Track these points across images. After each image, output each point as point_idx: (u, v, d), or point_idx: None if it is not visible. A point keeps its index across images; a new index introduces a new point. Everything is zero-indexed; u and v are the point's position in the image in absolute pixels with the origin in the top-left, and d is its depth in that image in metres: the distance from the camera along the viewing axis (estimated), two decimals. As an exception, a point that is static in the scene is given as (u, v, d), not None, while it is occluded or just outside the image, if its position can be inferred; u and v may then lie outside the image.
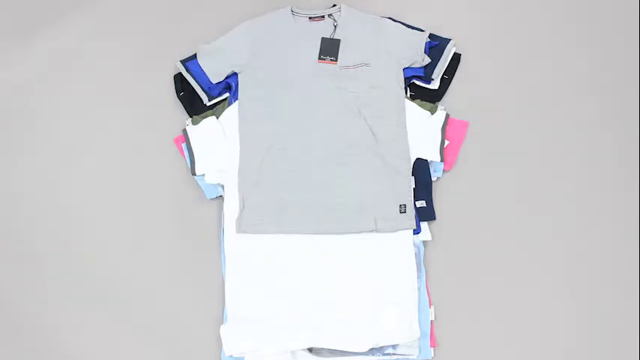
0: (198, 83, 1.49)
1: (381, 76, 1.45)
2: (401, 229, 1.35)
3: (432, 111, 1.45)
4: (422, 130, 1.43)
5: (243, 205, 1.38)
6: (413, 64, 1.47)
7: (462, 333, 1.35)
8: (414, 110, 1.44)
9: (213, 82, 1.48)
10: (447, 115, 1.45)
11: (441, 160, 1.42)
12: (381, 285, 1.33)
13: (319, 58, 1.46)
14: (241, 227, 1.36)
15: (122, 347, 1.38)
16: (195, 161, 1.42)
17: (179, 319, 1.39)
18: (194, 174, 1.43)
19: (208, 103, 1.50)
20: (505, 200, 1.44)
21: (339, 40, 1.47)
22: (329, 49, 1.47)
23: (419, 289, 1.34)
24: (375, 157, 1.38)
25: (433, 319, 1.34)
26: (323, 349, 1.31)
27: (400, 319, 1.30)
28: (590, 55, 1.55)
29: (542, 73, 1.54)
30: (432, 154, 1.42)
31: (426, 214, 1.40)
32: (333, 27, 1.50)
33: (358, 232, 1.35)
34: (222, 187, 1.43)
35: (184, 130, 1.45)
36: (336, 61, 1.46)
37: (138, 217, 1.46)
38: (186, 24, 1.62)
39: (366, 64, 1.46)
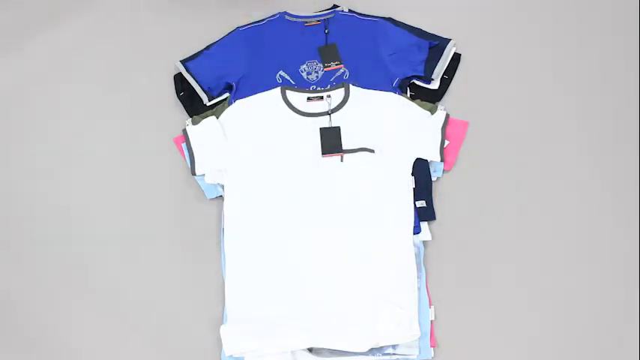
0: (198, 83, 1.49)
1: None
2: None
3: (432, 111, 1.45)
4: (422, 130, 1.43)
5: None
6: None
7: (462, 333, 1.35)
8: (414, 110, 1.44)
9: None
10: (447, 115, 1.44)
11: (441, 160, 1.42)
12: (381, 285, 1.33)
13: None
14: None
15: (122, 347, 1.38)
16: (196, 161, 1.42)
17: (179, 319, 1.38)
18: (194, 174, 1.43)
19: (208, 103, 1.51)
20: (505, 200, 1.44)
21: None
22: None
23: (419, 289, 1.34)
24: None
25: (433, 319, 1.34)
26: (323, 349, 1.31)
27: (400, 319, 1.30)
28: (590, 54, 1.55)
29: (542, 73, 1.54)
30: (432, 154, 1.42)
31: (426, 214, 1.40)
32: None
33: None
34: (222, 187, 1.43)
35: (184, 130, 1.45)
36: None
37: (138, 217, 1.46)
38: (186, 24, 1.62)
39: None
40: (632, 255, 1.39)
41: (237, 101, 1.45)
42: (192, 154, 1.42)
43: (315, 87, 1.48)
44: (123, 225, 1.46)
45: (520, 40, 1.57)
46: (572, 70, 1.54)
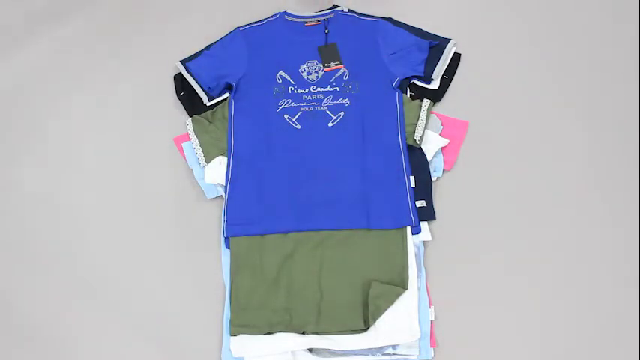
0: (198, 83, 1.50)
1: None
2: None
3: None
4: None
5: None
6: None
7: (462, 333, 1.35)
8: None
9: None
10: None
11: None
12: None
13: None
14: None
15: (122, 347, 1.38)
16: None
17: (179, 319, 1.38)
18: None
19: (208, 103, 1.51)
20: (505, 200, 1.43)
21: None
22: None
23: (419, 289, 1.34)
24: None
25: (433, 319, 1.34)
26: (323, 349, 1.31)
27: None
28: (590, 54, 1.55)
29: (542, 73, 1.54)
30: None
31: (426, 214, 1.40)
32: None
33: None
34: (222, 187, 1.43)
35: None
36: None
37: (138, 217, 1.46)
38: (186, 24, 1.62)
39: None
40: (632, 255, 1.39)
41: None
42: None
43: (315, 87, 1.48)
44: (123, 225, 1.46)
45: (520, 40, 1.57)
46: (572, 70, 1.54)
